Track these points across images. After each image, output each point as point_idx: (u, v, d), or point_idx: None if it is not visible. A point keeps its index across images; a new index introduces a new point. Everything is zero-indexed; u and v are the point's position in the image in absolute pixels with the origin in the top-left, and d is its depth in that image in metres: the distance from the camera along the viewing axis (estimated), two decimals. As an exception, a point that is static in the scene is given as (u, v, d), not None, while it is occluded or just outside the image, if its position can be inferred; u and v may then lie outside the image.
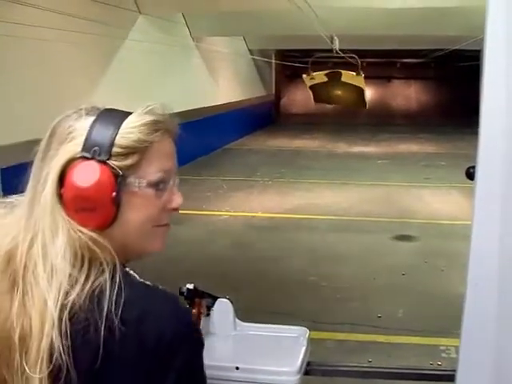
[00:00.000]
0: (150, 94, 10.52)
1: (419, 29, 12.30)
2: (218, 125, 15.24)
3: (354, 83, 15.27)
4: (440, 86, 27.46)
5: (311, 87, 15.97)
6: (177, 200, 1.24)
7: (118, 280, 1.09)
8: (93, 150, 1.13)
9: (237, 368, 1.98)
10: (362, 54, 17.64)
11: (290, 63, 20.71)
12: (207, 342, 2.06)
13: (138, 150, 1.16)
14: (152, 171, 1.19)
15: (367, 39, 14.54)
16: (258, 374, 2.00)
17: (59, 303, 1.06)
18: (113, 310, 1.05)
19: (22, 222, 1.14)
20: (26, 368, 1.04)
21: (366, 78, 15.37)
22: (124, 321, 1.06)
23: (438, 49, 18.06)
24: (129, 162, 1.15)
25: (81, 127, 1.15)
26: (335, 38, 12.82)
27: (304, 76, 15.93)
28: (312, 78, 15.48)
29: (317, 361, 2.42)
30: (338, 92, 16.20)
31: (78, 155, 1.13)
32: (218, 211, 9.06)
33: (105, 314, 1.05)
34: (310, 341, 2.23)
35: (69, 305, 1.06)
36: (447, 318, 4.40)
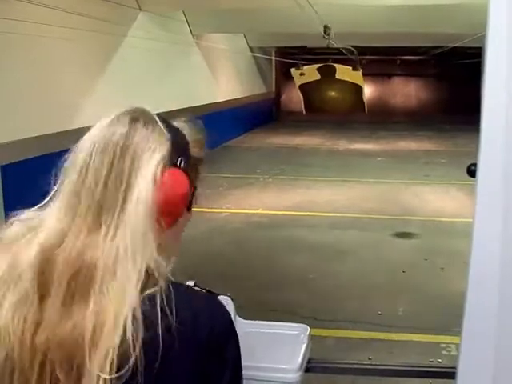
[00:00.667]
0: (150, 91, 10.51)
1: (419, 26, 12.29)
2: (218, 122, 15.22)
3: (350, 80, 14.18)
4: (440, 84, 27.41)
5: (301, 88, 14.54)
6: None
7: (167, 285, 1.13)
8: (179, 159, 1.20)
9: (237, 365, 1.98)
10: (362, 51, 17.64)
11: (289, 60, 20.70)
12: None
13: (198, 166, 1.30)
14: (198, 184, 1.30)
15: (367, 36, 14.52)
16: (259, 371, 2.01)
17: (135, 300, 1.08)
18: (168, 311, 1.09)
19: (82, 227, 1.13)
20: (94, 368, 1.04)
21: (365, 75, 15.12)
22: (179, 320, 1.10)
23: (439, 46, 18.05)
24: (194, 174, 1.27)
25: (159, 138, 1.19)
26: (329, 27, 11.25)
27: (292, 70, 14.64)
28: (302, 74, 14.11)
29: (317, 358, 2.43)
30: (332, 93, 15.08)
31: (168, 162, 1.17)
32: (218, 208, 9.06)
33: (161, 314, 1.08)
34: (311, 338, 2.23)
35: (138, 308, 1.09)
36: (447, 316, 4.41)
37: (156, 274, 1.12)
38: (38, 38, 7.17)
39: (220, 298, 2.14)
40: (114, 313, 1.06)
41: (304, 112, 15.40)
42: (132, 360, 1.04)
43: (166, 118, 1.25)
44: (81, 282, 1.08)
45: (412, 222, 8.23)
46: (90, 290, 1.08)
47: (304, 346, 2.12)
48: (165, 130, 1.20)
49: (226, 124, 16.05)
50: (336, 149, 15.75)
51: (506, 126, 1.32)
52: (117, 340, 1.05)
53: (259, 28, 14.67)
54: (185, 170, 1.21)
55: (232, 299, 2.17)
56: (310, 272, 6.15)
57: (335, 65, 13.38)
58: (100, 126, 1.18)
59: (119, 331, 1.05)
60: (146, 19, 10.74)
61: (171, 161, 1.18)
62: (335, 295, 5.55)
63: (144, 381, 1.06)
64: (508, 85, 1.34)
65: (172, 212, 1.20)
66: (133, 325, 1.06)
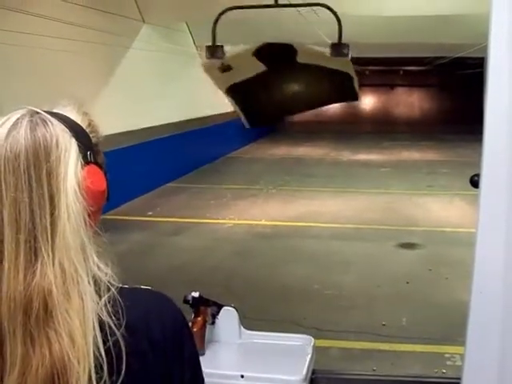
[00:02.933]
0: (154, 102, 10.55)
1: (422, 36, 12.32)
2: (221, 133, 15.26)
3: (330, 67, 7.73)
4: (443, 94, 27.44)
5: (232, 92, 5.21)
6: None
7: (116, 289, 1.10)
8: (88, 154, 1.11)
9: (242, 376, 1.98)
10: (365, 61, 17.64)
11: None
12: (212, 350, 2.08)
13: (99, 150, 1.18)
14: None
15: (370, 47, 14.52)
16: (263, 382, 2.01)
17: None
18: (121, 315, 1.07)
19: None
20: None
21: (368, 85, 14.94)
22: (132, 323, 1.08)
23: (441, 56, 18.07)
24: (100, 160, 1.16)
25: (61, 134, 1.07)
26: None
27: (205, 64, 4.56)
28: (227, 69, 4.53)
29: (321, 369, 2.43)
30: (296, 86, 6.53)
31: (82, 161, 1.09)
32: (221, 219, 9.06)
33: (116, 321, 1.06)
34: (315, 349, 2.24)
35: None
36: (451, 326, 4.40)
37: (103, 281, 1.08)
38: (42, 50, 7.20)
39: (225, 308, 2.16)
40: (80, 335, 1.02)
41: (248, 126, 6.00)
42: (105, 374, 1.03)
43: (52, 111, 1.12)
44: (35, 318, 1.01)
45: (415, 232, 8.22)
46: (49, 322, 1.01)
47: (308, 357, 2.12)
48: (64, 126, 1.08)
49: (229, 135, 16.07)
50: (339, 159, 15.75)
51: (509, 136, 1.33)
52: (90, 361, 1.02)
53: (263, 39, 14.65)
54: (95, 162, 1.12)
55: (237, 310, 2.18)
56: (314, 282, 6.14)
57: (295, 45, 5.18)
58: None
59: (90, 356, 1.02)
60: (150, 31, 10.78)
61: (83, 158, 1.08)
62: (339, 306, 5.54)
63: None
64: (511, 95, 1.34)
65: (98, 210, 1.14)
66: (98, 338, 1.03)
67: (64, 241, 1.02)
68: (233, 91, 4.28)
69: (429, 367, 4.30)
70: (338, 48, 2.64)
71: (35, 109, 1.10)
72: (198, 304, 2.03)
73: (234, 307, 2.18)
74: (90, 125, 1.17)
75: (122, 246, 7.20)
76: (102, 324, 1.05)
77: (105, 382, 1.02)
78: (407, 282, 6.18)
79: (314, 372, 2.22)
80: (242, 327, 2.19)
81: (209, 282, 5.50)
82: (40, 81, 7.37)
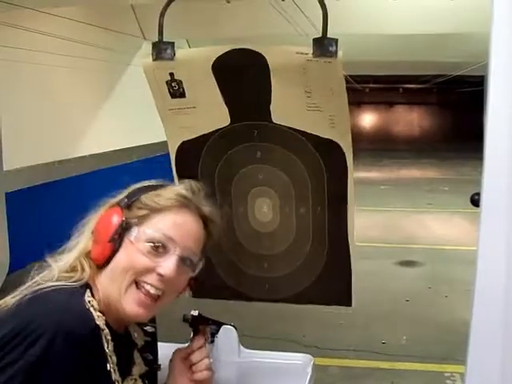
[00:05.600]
0: (154, 119, 10.54)
1: (422, 55, 12.37)
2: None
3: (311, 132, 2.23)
4: (442, 112, 27.53)
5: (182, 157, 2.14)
6: (165, 267, 1.31)
7: None
8: (125, 199, 1.36)
9: (241, 395, 1.97)
10: (363, 79, 17.71)
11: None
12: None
13: (151, 209, 1.33)
14: (154, 230, 1.31)
15: (369, 65, 14.59)
16: (263, 401, 1.99)
17: None
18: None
19: None
20: None
21: (368, 103, 14.93)
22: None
23: (441, 74, 18.14)
24: (138, 213, 1.33)
25: (137, 185, 1.41)
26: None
27: (146, 65, 2.01)
28: (177, 88, 1.71)
29: (321, 388, 2.41)
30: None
31: (117, 202, 1.37)
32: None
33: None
34: (314, 367, 2.22)
35: None
36: (451, 345, 4.38)
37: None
38: (39, 67, 7.22)
39: (224, 327, 2.14)
40: None
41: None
42: None
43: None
44: None
45: (415, 250, 8.20)
46: None
47: (308, 376, 2.11)
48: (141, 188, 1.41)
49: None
50: (339, 177, 15.69)
51: (510, 154, 1.32)
52: None
53: (226, 34, 14.68)
54: (122, 208, 1.34)
55: (236, 328, 2.16)
56: (313, 300, 6.11)
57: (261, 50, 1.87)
58: None
59: None
60: (150, 47, 10.80)
61: (118, 202, 1.37)
62: (338, 323, 5.52)
63: None
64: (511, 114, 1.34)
65: (100, 239, 1.32)
66: None
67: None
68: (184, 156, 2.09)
69: (429, 386, 4.28)
70: (322, 44, 1.55)
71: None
72: (198, 323, 2.01)
73: (233, 326, 2.16)
74: (159, 194, 1.37)
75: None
76: None
77: None
78: (407, 300, 6.16)
79: (313, 391, 2.20)
80: (241, 346, 2.18)
81: (206, 300, 5.47)
82: (40, 97, 7.38)
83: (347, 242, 2.26)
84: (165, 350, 1.90)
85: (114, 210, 1.33)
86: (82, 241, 1.36)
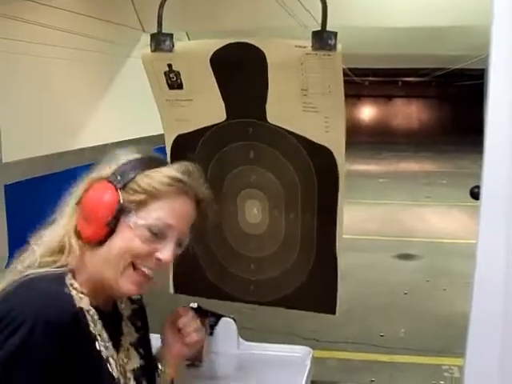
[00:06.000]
0: (153, 112, 10.54)
1: (421, 48, 12.33)
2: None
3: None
4: (442, 105, 27.51)
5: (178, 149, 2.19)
6: (164, 253, 1.33)
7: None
8: (117, 177, 1.30)
9: (240, 387, 1.97)
10: (362, 72, 17.67)
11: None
12: (210, 361, 2.06)
13: (149, 194, 1.30)
14: (153, 217, 1.30)
15: (368, 58, 14.55)
16: (262, 393, 1.99)
17: None
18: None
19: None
20: None
21: (367, 96, 14.90)
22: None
23: (440, 68, 18.11)
24: (136, 198, 1.30)
25: (122, 158, 1.34)
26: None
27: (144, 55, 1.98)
28: (174, 79, 1.96)
29: (320, 380, 2.41)
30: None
31: (105, 177, 1.31)
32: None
33: None
34: (313, 360, 2.22)
35: None
36: (449, 338, 4.39)
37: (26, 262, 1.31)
38: (42, 59, 7.20)
39: (223, 319, 2.14)
40: None
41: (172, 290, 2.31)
42: None
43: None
44: None
45: (413, 243, 8.21)
46: None
47: (307, 368, 2.11)
48: (128, 157, 1.36)
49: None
50: (337, 170, 15.69)
51: (511, 147, 1.32)
52: None
53: (223, 25, 14.66)
54: (116, 186, 1.30)
55: (235, 321, 2.17)
56: (312, 293, 6.12)
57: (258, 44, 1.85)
58: None
59: None
60: (149, 39, 10.79)
61: (109, 177, 1.31)
62: (337, 316, 5.51)
63: None
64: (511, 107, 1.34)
65: (92, 218, 1.29)
66: None
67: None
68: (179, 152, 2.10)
69: (427, 379, 4.29)
70: (322, 37, 1.66)
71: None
72: (197, 315, 2.01)
73: (232, 318, 2.16)
74: (166, 176, 1.33)
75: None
76: None
77: None
78: (405, 293, 6.17)
79: (312, 383, 2.21)
80: (240, 338, 2.18)
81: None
82: (39, 89, 7.36)
83: (334, 251, 2.29)
84: (157, 342, 1.90)
85: (108, 189, 1.30)
86: (68, 218, 1.33)
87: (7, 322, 1.16)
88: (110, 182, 1.30)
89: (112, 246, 1.29)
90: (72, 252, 1.30)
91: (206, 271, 2.19)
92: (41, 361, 1.17)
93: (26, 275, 1.25)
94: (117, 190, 1.29)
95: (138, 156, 1.35)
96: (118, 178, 1.30)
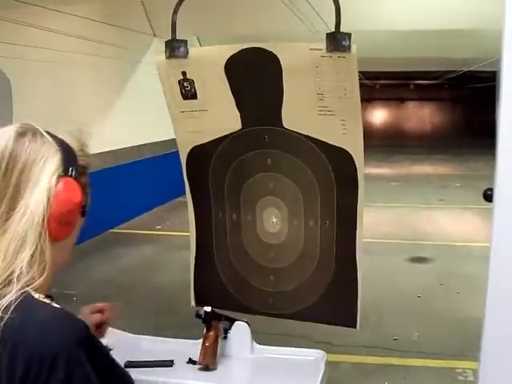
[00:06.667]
0: (165, 116, 10.55)
1: (433, 51, 12.32)
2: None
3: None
4: (454, 107, 27.42)
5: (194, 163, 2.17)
6: None
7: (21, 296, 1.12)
8: (70, 169, 1.23)
9: (254, 391, 1.97)
10: (375, 75, 17.65)
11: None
12: (224, 365, 2.07)
13: (86, 173, 1.31)
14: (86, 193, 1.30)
15: (381, 61, 14.55)
16: (276, 397, 1.99)
17: None
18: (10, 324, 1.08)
19: None
20: None
21: (379, 99, 14.87)
22: (25, 334, 1.09)
23: (452, 70, 18.07)
24: (84, 181, 1.28)
25: (48, 150, 1.22)
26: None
27: (159, 62, 2.06)
28: (188, 89, 1.94)
29: (333, 384, 2.41)
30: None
31: (62, 173, 1.21)
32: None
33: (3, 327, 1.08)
34: (327, 364, 2.22)
35: None
36: (463, 340, 4.37)
37: (14, 283, 1.12)
38: (51, 64, 7.25)
39: (237, 323, 2.15)
40: None
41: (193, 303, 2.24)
42: None
43: (51, 131, 1.28)
44: None
45: (427, 246, 8.18)
46: None
47: (321, 372, 2.11)
48: (54, 143, 1.23)
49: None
50: (350, 173, 15.68)
51: (522, 150, 1.32)
52: None
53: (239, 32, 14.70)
54: (76, 179, 1.24)
55: (248, 324, 2.17)
56: (325, 297, 6.11)
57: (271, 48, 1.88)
58: None
59: None
60: (161, 45, 10.82)
61: (64, 171, 1.21)
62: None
63: None
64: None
65: (68, 221, 1.22)
66: None
67: (9, 231, 1.14)
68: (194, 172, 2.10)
69: (441, 382, 4.27)
70: (336, 39, 1.66)
71: (35, 125, 1.27)
72: (210, 319, 2.02)
73: (246, 321, 2.17)
74: (81, 150, 1.31)
75: (132, 259, 7.21)
76: None
77: None
78: (418, 296, 6.15)
79: (326, 387, 2.21)
80: (253, 342, 2.19)
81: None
82: (53, 94, 7.41)
83: (355, 261, 2.23)
84: (172, 346, 1.91)
85: (73, 187, 1.22)
86: (34, 227, 1.17)
87: (40, 360, 1.07)
88: (70, 176, 1.24)
89: (71, 237, 1.28)
90: (45, 263, 1.21)
91: (227, 284, 2.17)
92: (88, 374, 1.11)
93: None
94: (79, 183, 1.25)
95: (46, 139, 1.26)
96: (72, 169, 1.24)
